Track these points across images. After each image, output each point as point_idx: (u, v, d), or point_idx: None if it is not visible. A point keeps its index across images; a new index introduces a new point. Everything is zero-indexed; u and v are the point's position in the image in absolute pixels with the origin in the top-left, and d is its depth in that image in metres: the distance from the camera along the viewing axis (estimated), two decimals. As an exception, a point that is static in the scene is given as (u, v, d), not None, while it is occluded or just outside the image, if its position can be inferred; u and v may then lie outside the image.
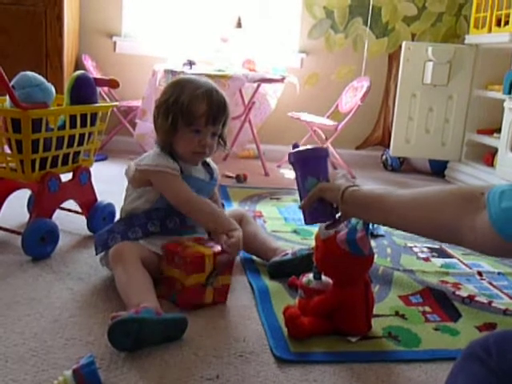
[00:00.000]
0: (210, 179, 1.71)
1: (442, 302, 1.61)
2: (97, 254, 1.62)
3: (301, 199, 1.29)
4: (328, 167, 1.29)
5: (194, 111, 1.57)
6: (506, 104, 3.05)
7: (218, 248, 1.48)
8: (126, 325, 1.21)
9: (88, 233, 2.00)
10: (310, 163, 1.27)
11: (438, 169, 3.68)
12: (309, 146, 1.31)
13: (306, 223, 1.28)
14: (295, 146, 1.34)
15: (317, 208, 1.24)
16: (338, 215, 1.26)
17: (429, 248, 2.12)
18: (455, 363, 0.77)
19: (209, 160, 1.74)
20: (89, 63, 3.50)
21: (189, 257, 1.43)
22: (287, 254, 1.73)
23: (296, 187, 1.32)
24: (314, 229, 1.44)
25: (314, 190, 1.23)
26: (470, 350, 0.74)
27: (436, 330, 1.45)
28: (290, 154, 1.30)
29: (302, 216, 1.29)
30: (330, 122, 3.44)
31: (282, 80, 3.31)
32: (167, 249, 1.50)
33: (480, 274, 1.88)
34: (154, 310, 1.28)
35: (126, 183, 1.69)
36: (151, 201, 1.60)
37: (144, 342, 1.24)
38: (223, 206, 1.89)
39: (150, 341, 1.25)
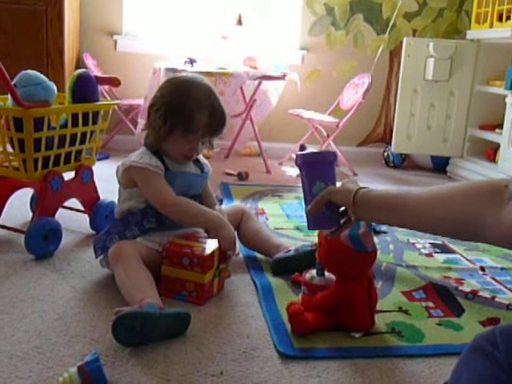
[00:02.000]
0: (201, 172, 1.71)
1: (445, 298, 1.61)
2: (97, 258, 1.62)
3: (306, 203, 1.24)
4: (335, 172, 1.26)
5: (195, 122, 1.57)
6: (507, 99, 3.04)
7: (215, 242, 1.53)
8: (130, 319, 1.22)
9: (91, 231, 2.00)
10: (318, 167, 1.23)
11: (439, 165, 3.68)
12: (317, 149, 1.30)
13: (310, 229, 1.25)
14: (302, 147, 1.33)
15: (323, 213, 1.20)
16: (342, 221, 1.22)
17: (431, 244, 2.12)
18: (460, 357, 0.77)
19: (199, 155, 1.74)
20: (90, 62, 3.50)
21: (203, 256, 1.46)
22: (290, 250, 1.73)
23: (302, 191, 1.27)
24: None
25: (322, 194, 1.18)
26: (475, 344, 0.73)
27: (439, 325, 1.46)
28: (297, 156, 1.25)
29: (306, 221, 1.25)
30: (331, 119, 3.44)
31: (282, 77, 3.31)
32: (170, 251, 1.50)
33: (483, 269, 1.88)
34: (156, 306, 1.29)
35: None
36: (143, 200, 1.60)
37: (148, 336, 1.24)
38: (221, 201, 1.89)
39: (154, 335, 1.25)
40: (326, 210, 1.19)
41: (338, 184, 1.22)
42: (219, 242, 1.53)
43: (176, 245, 1.52)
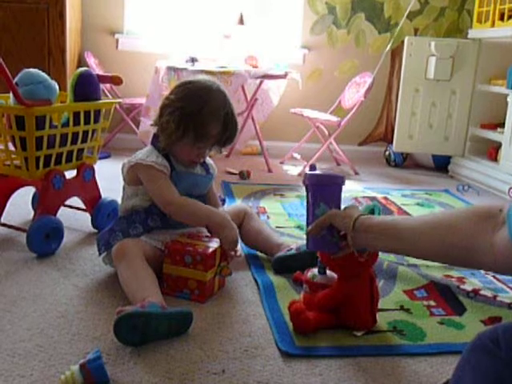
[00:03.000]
0: (206, 174, 1.72)
1: (446, 296, 1.61)
2: (100, 255, 1.62)
3: (307, 223, 1.27)
4: (341, 195, 1.28)
5: (207, 132, 1.57)
6: (509, 98, 3.04)
7: (217, 240, 1.54)
8: (132, 319, 1.22)
9: (92, 229, 2.00)
10: (324, 190, 1.25)
11: (441, 164, 3.67)
12: (326, 171, 1.30)
13: (309, 249, 1.27)
14: (312, 167, 1.31)
15: (324, 236, 1.23)
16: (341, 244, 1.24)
17: (433, 243, 2.12)
18: (462, 355, 0.77)
19: None
20: (91, 60, 3.50)
21: (205, 254, 1.47)
22: (291, 249, 1.73)
23: (306, 209, 1.30)
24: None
25: (324, 217, 1.22)
26: (477, 342, 0.73)
27: (441, 323, 1.45)
28: (306, 176, 1.28)
29: (305, 241, 1.27)
30: (332, 118, 3.44)
31: (284, 76, 3.31)
32: (172, 249, 1.51)
33: (484, 268, 1.88)
34: (159, 305, 1.29)
35: (127, 181, 1.69)
36: (148, 198, 1.60)
37: (150, 335, 1.24)
38: (224, 201, 1.89)
39: (156, 335, 1.26)
40: (326, 233, 1.22)
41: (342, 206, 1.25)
42: (221, 241, 1.53)
43: (178, 243, 1.52)
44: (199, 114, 1.54)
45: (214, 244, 1.53)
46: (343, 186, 1.31)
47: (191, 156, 1.63)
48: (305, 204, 1.32)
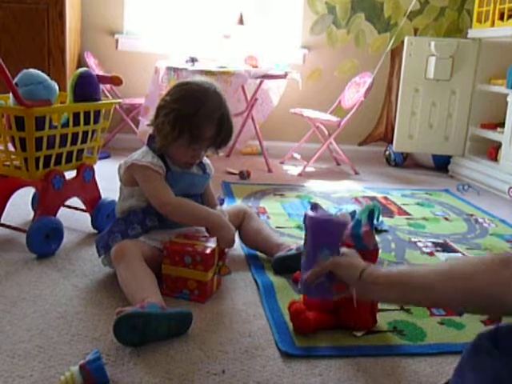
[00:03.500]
0: (203, 173, 1.72)
1: (446, 297, 1.61)
2: (100, 256, 1.62)
3: (305, 267, 1.20)
4: (343, 238, 1.22)
5: (202, 134, 1.57)
6: (509, 98, 3.04)
7: (214, 239, 1.54)
8: (132, 319, 1.22)
9: (92, 230, 2.00)
10: (328, 235, 1.19)
11: (441, 164, 3.67)
12: (329, 213, 1.22)
13: (301, 293, 1.21)
14: (314, 207, 1.23)
15: (322, 282, 1.16)
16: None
17: (433, 243, 2.12)
18: (462, 356, 0.77)
19: None
20: (91, 61, 3.50)
21: (205, 254, 1.47)
22: (291, 249, 1.73)
23: (303, 250, 1.23)
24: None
25: (326, 264, 1.15)
26: (477, 342, 0.74)
27: (441, 323, 1.45)
28: (307, 218, 1.21)
29: (299, 284, 1.21)
30: (332, 118, 3.44)
31: (284, 76, 3.30)
32: (170, 250, 1.50)
33: (484, 268, 1.88)
34: (158, 305, 1.29)
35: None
36: (145, 199, 1.60)
37: (150, 336, 1.24)
38: (223, 201, 1.89)
39: (156, 335, 1.25)
40: (324, 280, 1.16)
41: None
42: (219, 241, 1.53)
43: (176, 244, 1.52)
44: (194, 116, 1.54)
45: (212, 243, 1.53)
46: (346, 228, 1.26)
47: (186, 157, 1.63)
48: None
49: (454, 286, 0.93)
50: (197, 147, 1.60)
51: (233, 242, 1.57)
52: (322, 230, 1.19)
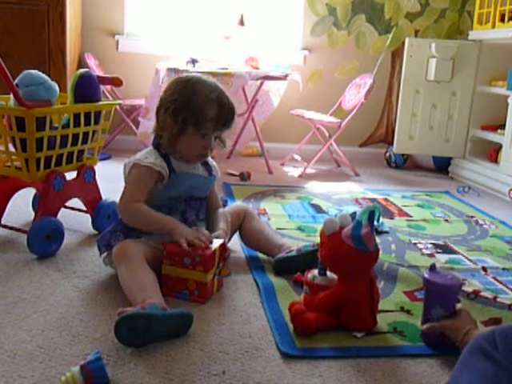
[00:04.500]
0: (209, 175, 1.71)
1: (447, 298, 1.61)
2: (101, 255, 1.62)
3: (424, 318, 1.36)
4: (457, 297, 1.35)
5: (205, 114, 1.57)
6: (510, 100, 3.04)
7: (216, 241, 1.54)
8: (133, 320, 1.22)
9: (93, 231, 2.00)
10: (444, 296, 1.32)
11: (441, 165, 3.67)
12: (445, 274, 1.35)
13: (423, 341, 1.35)
14: (433, 267, 1.36)
15: (438, 335, 1.32)
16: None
17: (433, 244, 2.12)
18: (460, 357, 0.77)
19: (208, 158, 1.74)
20: (92, 62, 3.51)
21: (205, 255, 1.46)
22: (292, 250, 1.73)
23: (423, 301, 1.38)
24: (319, 226, 1.44)
25: (435, 327, 1.31)
26: (475, 344, 0.74)
27: (441, 325, 1.45)
28: (427, 279, 1.33)
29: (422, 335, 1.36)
30: (333, 120, 3.44)
31: (284, 77, 3.31)
32: (170, 251, 1.50)
33: (485, 269, 1.88)
34: (159, 306, 1.29)
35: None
36: (147, 199, 1.59)
37: (150, 337, 1.24)
38: (226, 202, 1.89)
39: (157, 336, 1.26)
40: (439, 334, 1.32)
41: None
42: (174, 239, 1.50)
43: (176, 244, 1.52)
44: (192, 101, 1.56)
45: (213, 245, 1.52)
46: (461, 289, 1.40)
47: (197, 148, 1.61)
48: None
49: None
50: (205, 131, 1.59)
51: (189, 237, 1.50)
52: (437, 291, 1.32)
